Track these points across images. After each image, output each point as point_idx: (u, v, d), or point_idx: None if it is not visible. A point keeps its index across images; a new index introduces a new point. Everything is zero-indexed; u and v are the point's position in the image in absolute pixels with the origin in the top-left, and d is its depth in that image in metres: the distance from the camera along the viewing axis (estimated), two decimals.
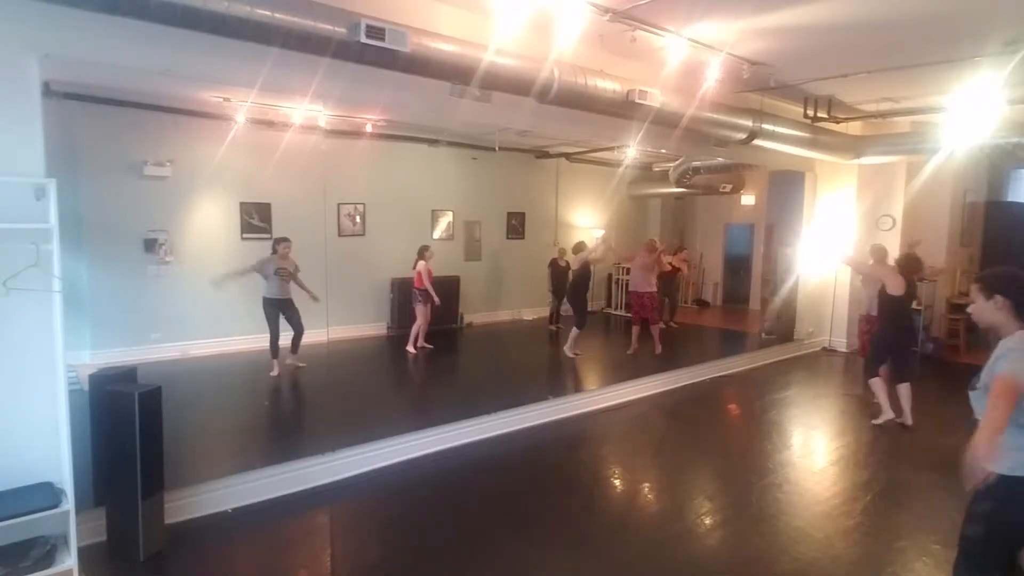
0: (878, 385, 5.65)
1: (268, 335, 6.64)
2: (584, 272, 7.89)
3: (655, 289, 8.20)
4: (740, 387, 7.26)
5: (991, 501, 2.19)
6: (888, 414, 5.62)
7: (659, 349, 8.04)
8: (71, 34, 3.15)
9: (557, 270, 9.34)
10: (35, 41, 3.06)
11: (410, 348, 8.04)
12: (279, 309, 6.61)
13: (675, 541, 3.64)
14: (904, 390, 5.57)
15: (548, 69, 4.50)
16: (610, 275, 11.61)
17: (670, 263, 9.80)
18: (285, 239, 6.64)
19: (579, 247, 8.08)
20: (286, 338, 6.76)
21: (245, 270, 6.67)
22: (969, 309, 2.39)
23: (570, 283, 7.99)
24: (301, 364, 6.88)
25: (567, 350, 7.74)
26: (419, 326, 8.06)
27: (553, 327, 9.61)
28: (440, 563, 3.37)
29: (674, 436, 5.75)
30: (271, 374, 6.65)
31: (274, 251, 6.60)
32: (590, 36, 4.78)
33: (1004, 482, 2.15)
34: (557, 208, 11.12)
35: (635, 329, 8.24)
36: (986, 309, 2.26)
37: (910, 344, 5.76)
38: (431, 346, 8.20)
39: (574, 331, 7.77)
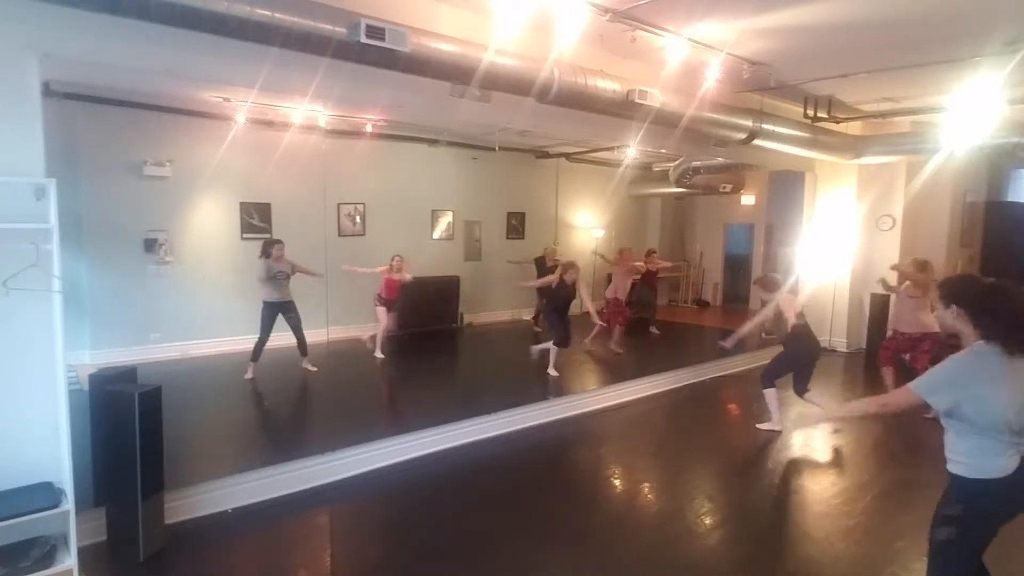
0: (773, 395, 5.58)
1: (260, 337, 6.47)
2: (561, 289, 6.99)
3: (624, 296, 8.45)
4: (740, 387, 7.26)
5: (960, 504, 2.26)
6: (777, 425, 5.54)
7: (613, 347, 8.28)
8: (71, 34, 3.16)
9: (543, 269, 8.87)
10: (35, 41, 3.06)
11: (379, 354, 7.59)
12: (278, 312, 6.47)
13: (675, 541, 3.64)
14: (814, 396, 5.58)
15: (548, 69, 4.50)
16: (610, 275, 11.61)
17: (643, 267, 9.29)
18: (278, 241, 6.49)
19: (568, 266, 7.06)
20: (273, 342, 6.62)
21: (265, 280, 6.39)
22: (934, 315, 2.47)
23: (548, 297, 7.23)
24: (313, 368, 6.74)
25: (549, 369, 6.90)
26: (385, 329, 7.64)
27: (538, 328, 9.19)
28: (440, 563, 3.37)
29: (674, 436, 5.75)
30: (245, 376, 6.45)
31: (267, 255, 6.36)
32: (590, 36, 4.78)
33: (969, 485, 2.23)
34: (557, 208, 11.12)
35: (617, 329, 8.39)
36: (946, 316, 2.33)
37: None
38: (383, 356, 7.62)
39: (552, 348, 6.96)
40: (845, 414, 2.54)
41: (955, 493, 2.28)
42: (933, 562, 2.36)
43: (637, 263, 8.94)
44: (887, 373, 6.26)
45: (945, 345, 6.16)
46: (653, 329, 9.68)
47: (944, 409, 2.22)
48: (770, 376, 5.61)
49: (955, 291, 2.31)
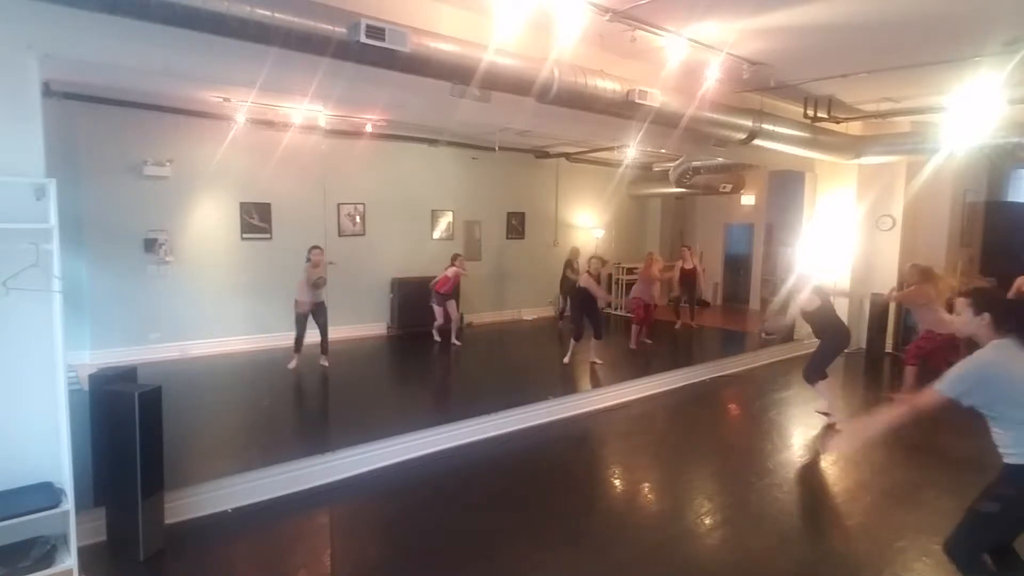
0: (827, 386, 5.87)
1: (294, 335, 6.85)
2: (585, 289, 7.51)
3: (653, 300, 8.76)
4: (740, 387, 7.26)
5: (1014, 487, 2.44)
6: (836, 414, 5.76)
7: (633, 345, 8.61)
8: (71, 34, 3.16)
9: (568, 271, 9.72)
10: (35, 41, 3.06)
11: (455, 341, 8.57)
12: (311, 312, 6.79)
13: (675, 541, 3.64)
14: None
15: (548, 69, 4.50)
16: (610, 275, 11.62)
17: (682, 267, 9.95)
18: (317, 247, 6.81)
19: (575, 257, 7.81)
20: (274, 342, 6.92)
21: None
22: (956, 322, 2.68)
23: (578, 297, 7.60)
24: (327, 364, 7.03)
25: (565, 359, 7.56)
26: (439, 324, 8.50)
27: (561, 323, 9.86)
28: (440, 563, 3.37)
29: (674, 436, 5.75)
30: (289, 366, 6.82)
31: (308, 259, 6.73)
32: (590, 36, 4.78)
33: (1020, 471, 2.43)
34: (557, 208, 11.12)
35: (635, 328, 8.66)
36: (972, 323, 2.54)
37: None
38: (459, 343, 8.58)
39: (593, 342, 7.54)
40: (873, 431, 2.69)
41: (1011, 478, 2.45)
42: (969, 530, 2.57)
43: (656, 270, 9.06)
44: (910, 372, 6.40)
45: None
46: (692, 323, 10.20)
47: (968, 404, 2.43)
48: (815, 370, 5.77)
49: (987, 301, 2.56)
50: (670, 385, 6.97)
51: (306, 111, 6.58)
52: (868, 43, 5.16)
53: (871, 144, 7.88)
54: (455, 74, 4.18)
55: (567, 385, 7.04)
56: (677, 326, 10.06)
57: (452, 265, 8.34)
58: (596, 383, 7.05)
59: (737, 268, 12.95)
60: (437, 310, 8.39)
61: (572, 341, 7.61)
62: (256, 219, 8.01)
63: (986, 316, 2.49)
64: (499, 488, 4.37)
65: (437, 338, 8.53)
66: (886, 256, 8.75)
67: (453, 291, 8.46)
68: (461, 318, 9.03)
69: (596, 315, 7.59)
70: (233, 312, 7.74)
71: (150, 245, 7.27)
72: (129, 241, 7.17)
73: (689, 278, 10.03)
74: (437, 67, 4.04)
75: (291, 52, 3.58)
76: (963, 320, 2.58)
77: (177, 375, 6.51)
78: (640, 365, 7.64)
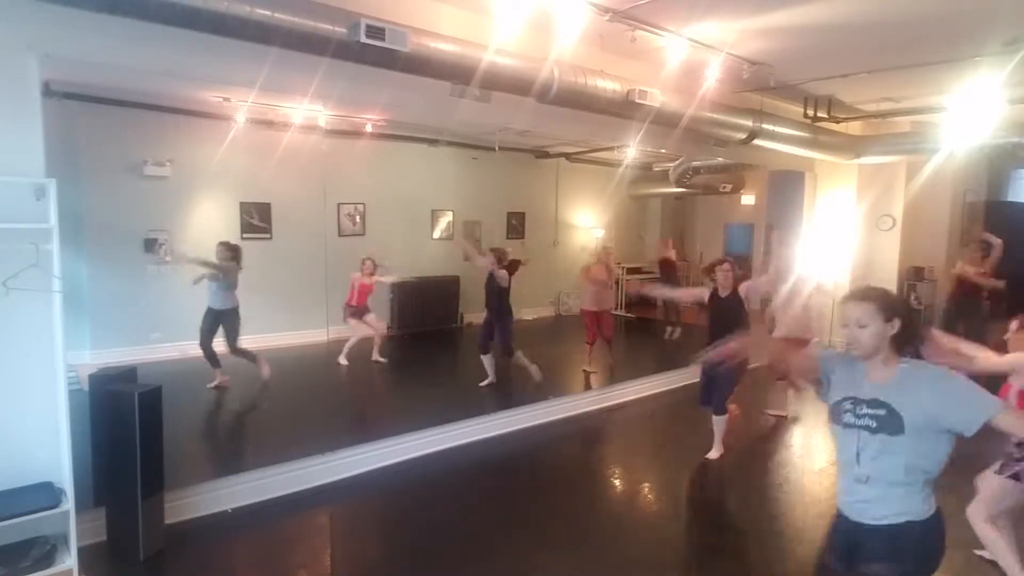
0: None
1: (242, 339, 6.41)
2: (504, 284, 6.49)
3: (612, 306, 7.43)
4: (740, 387, 7.22)
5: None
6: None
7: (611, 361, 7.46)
8: (71, 34, 3.15)
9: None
10: (35, 41, 3.06)
11: (379, 358, 7.53)
12: (218, 320, 6.32)
13: (674, 541, 3.65)
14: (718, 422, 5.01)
15: (548, 69, 4.49)
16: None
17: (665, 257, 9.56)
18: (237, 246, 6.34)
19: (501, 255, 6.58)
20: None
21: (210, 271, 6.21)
22: (867, 332, 2.07)
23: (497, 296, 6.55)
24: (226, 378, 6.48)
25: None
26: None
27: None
28: (440, 563, 3.37)
29: (674, 436, 5.75)
30: (209, 385, 6.33)
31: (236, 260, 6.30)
32: (590, 36, 4.78)
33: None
34: (557, 208, 11.12)
35: (589, 348, 7.35)
36: (884, 331, 2.06)
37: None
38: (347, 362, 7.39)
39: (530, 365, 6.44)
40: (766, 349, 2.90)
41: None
42: None
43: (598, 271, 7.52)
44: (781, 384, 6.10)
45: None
46: (673, 331, 9.52)
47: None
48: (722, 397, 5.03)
49: (896, 307, 2.08)
50: (670, 385, 6.97)
51: (306, 111, 6.57)
52: (868, 43, 5.16)
53: (871, 144, 7.88)
54: (455, 74, 4.18)
55: (567, 385, 7.04)
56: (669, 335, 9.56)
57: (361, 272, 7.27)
58: (596, 383, 7.04)
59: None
60: (353, 323, 7.27)
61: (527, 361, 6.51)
62: (256, 219, 8.01)
63: (896, 322, 2.04)
64: (499, 488, 4.38)
65: (344, 361, 7.20)
66: (886, 256, 8.75)
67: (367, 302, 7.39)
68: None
69: (502, 320, 6.44)
70: None
71: (150, 245, 7.27)
72: (129, 241, 7.16)
73: (668, 269, 9.49)
74: (437, 67, 4.04)
75: (291, 52, 3.57)
76: (881, 329, 2.05)
77: (177, 375, 6.50)
78: (640, 365, 7.62)
